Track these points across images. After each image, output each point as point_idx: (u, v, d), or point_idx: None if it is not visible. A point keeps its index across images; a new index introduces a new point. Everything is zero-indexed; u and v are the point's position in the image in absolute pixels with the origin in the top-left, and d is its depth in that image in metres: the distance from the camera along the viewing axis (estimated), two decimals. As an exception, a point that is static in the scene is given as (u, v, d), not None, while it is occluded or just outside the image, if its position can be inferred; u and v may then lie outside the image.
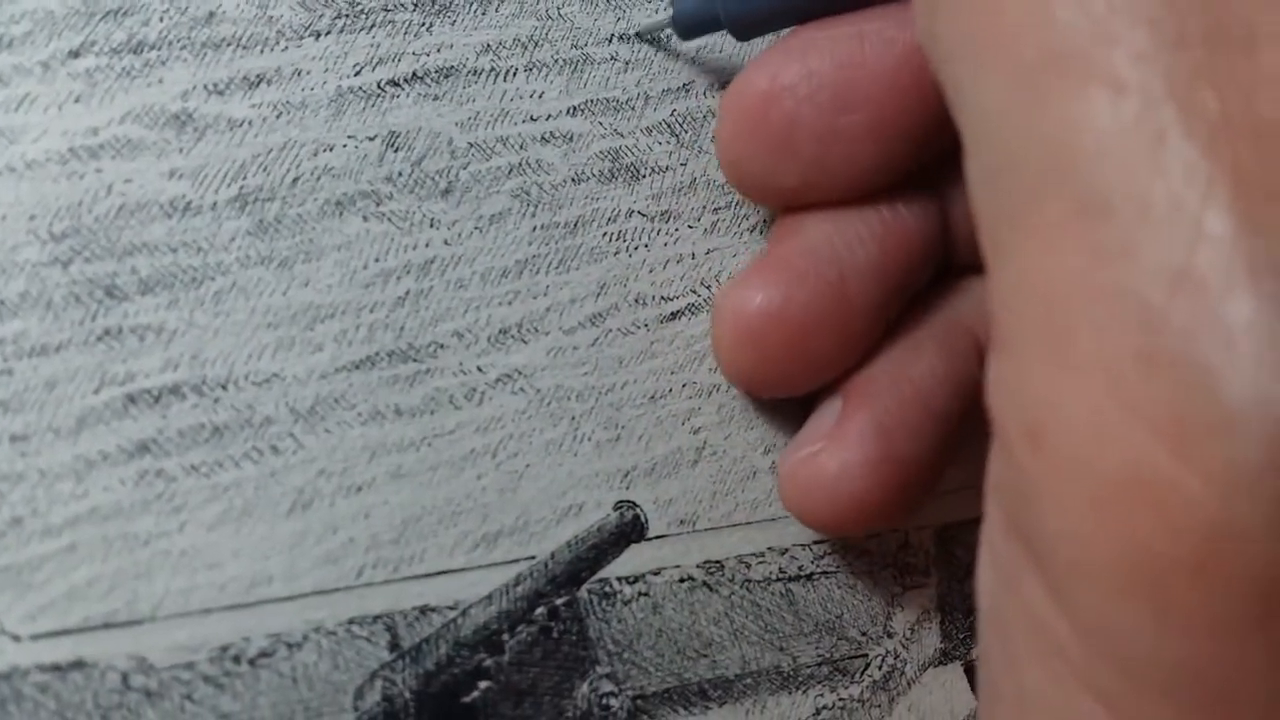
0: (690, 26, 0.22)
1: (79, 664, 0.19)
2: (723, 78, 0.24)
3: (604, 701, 0.21)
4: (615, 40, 0.23)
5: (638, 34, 0.23)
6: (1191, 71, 0.13)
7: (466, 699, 0.20)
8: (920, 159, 0.21)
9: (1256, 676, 0.13)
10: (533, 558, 0.21)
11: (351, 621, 0.20)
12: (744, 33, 0.22)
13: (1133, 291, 0.13)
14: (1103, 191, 0.13)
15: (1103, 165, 0.13)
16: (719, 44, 0.24)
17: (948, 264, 0.22)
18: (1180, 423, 0.12)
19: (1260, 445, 0.12)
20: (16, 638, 0.18)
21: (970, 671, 0.25)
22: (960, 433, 0.21)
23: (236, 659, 0.19)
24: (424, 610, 0.20)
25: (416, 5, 0.22)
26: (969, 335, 0.22)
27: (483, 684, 0.21)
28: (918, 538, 0.24)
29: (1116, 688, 0.14)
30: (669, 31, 0.23)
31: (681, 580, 0.22)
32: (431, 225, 0.22)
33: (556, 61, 0.23)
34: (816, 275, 0.21)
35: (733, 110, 0.21)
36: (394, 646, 0.20)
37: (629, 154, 0.23)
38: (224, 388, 0.20)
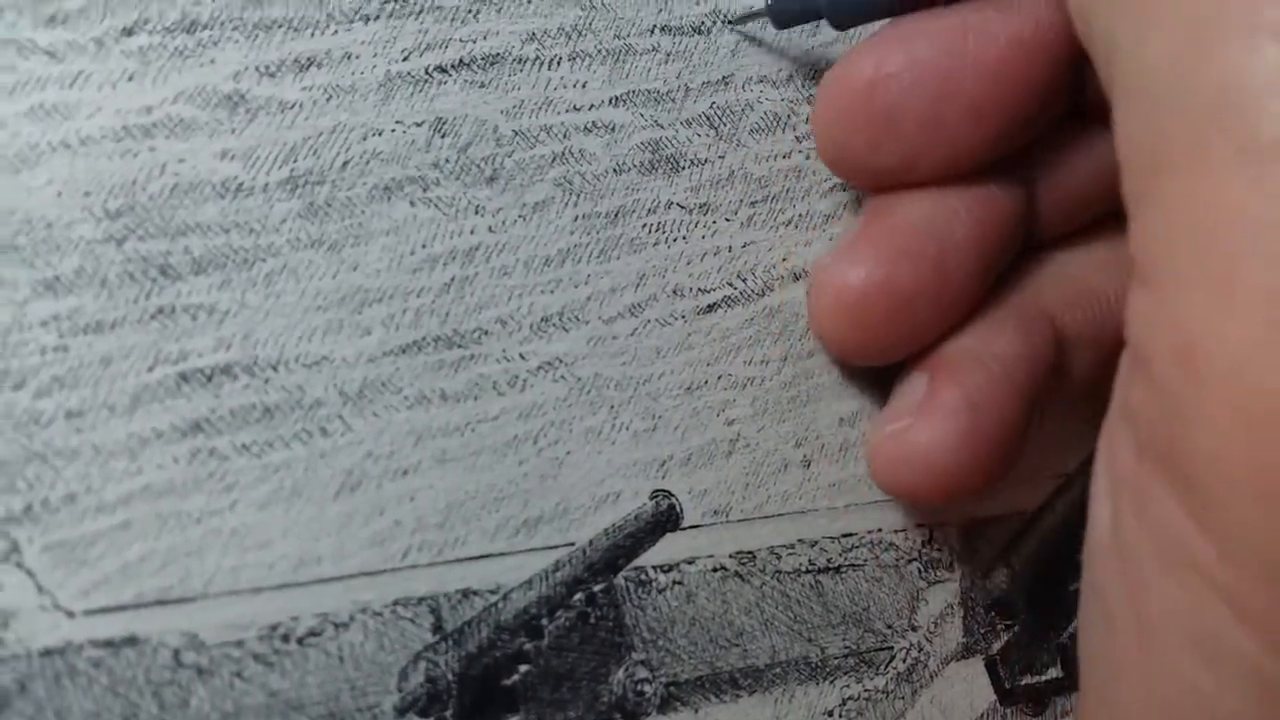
0: (789, 16, 0.23)
1: (132, 640, 0.19)
2: (760, 72, 0.25)
3: (639, 687, 0.22)
4: (657, 31, 0.24)
5: (731, 23, 0.24)
6: None
7: (507, 682, 0.21)
8: (1012, 145, 0.22)
9: None
10: (572, 544, 0.22)
11: (397, 603, 0.21)
12: (844, 22, 0.22)
13: None
14: (1269, 132, 0.14)
15: (1270, 107, 0.14)
16: (759, 38, 0.25)
17: (1027, 243, 0.23)
18: None
19: None
20: (70, 613, 0.19)
21: (991, 667, 0.25)
22: (1035, 409, 0.22)
23: (285, 638, 0.20)
24: (467, 593, 0.21)
25: (464, -9, 0.23)
26: (1044, 315, 0.23)
27: (523, 667, 0.21)
28: (943, 533, 0.25)
29: (1259, 599, 0.15)
30: (763, 21, 0.24)
31: (714, 570, 0.23)
32: (477, 212, 0.22)
33: (599, 51, 0.23)
34: (917, 251, 0.21)
35: (836, 95, 0.21)
36: (437, 629, 0.21)
37: (669, 145, 0.24)
38: (275, 369, 0.20)
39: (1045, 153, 0.23)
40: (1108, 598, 0.17)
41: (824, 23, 0.23)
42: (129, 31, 0.20)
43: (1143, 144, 0.16)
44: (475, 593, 0.21)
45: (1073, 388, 0.24)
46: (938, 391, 0.22)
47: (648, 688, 0.22)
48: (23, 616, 0.18)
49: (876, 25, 0.23)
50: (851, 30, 0.24)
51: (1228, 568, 0.15)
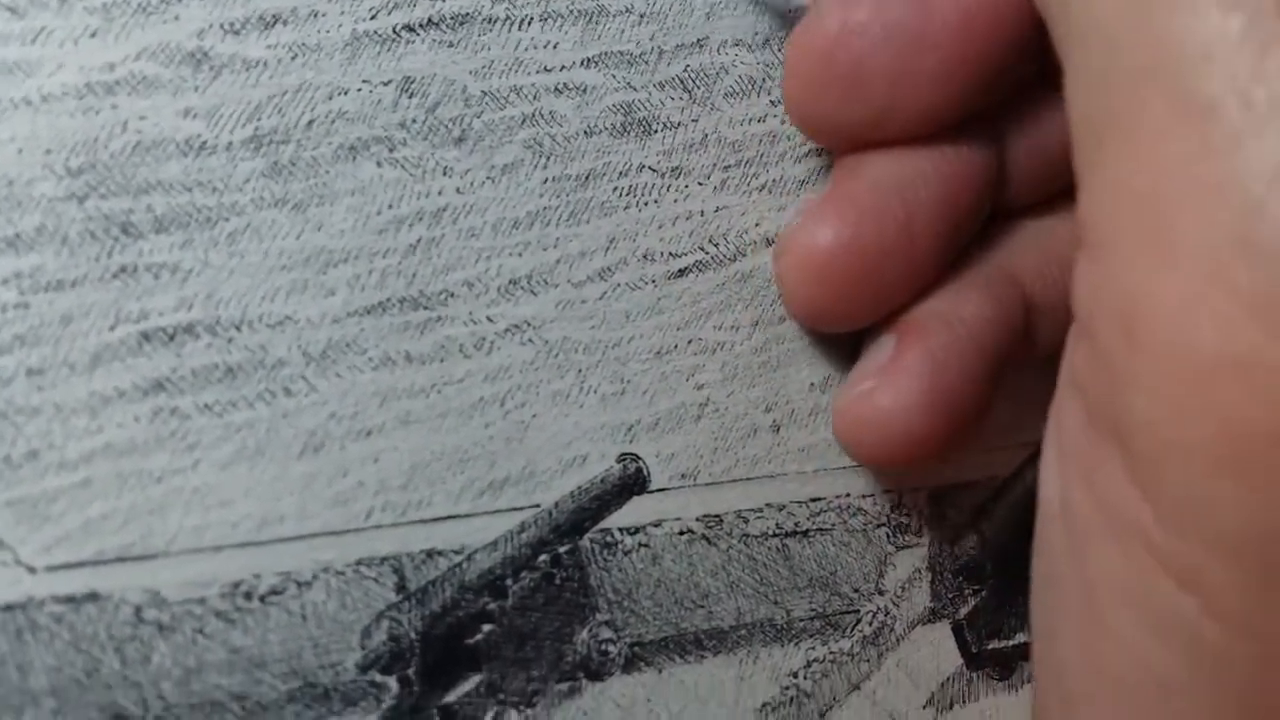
0: None
1: (93, 596, 0.19)
2: (736, 35, 0.24)
3: (603, 648, 0.22)
4: (631, -8, 0.24)
5: None
6: None
7: (470, 641, 0.21)
8: (983, 102, 0.22)
9: None
10: (537, 506, 0.22)
11: (360, 562, 0.21)
12: None
13: (1234, 183, 0.14)
14: (1208, 93, 0.14)
15: (1210, 70, 0.14)
16: (735, 0, 0.25)
17: (997, 209, 0.23)
18: (1274, 303, 0.14)
19: None
20: (32, 569, 0.19)
21: (958, 631, 0.26)
22: (1000, 373, 0.22)
23: (248, 595, 0.20)
24: (431, 554, 0.21)
25: (434, -50, 0.22)
26: (1013, 279, 0.23)
27: (486, 627, 0.21)
28: (911, 499, 0.25)
29: (1197, 564, 0.15)
30: None
31: (681, 533, 0.23)
32: (444, 173, 0.22)
33: (571, 12, 0.23)
34: (884, 211, 0.21)
35: (802, 50, 0.21)
36: (401, 588, 0.21)
37: (641, 108, 0.24)
38: (238, 328, 0.20)
39: (1017, 116, 0.23)
40: (1055, 563, 0.18)
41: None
42: (92, -12, 0.20)
43: (1089, 107, 0.16)
44: (439, 553, 0.21)
45: (1040, 353, 0.24)
46: (903, 353, 0.22)
47: (612, 648, 0.22)
48: (-16, 572, 0.19)
49: None
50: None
51: (1168, 533, 0.15)
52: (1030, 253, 0.23)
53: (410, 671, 0.21)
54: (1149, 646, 0.16)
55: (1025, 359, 0.23)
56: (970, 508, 0.26)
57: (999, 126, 0.23)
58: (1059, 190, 0.24)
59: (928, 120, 0.21)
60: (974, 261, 0.23)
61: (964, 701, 0.25)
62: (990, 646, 0.26)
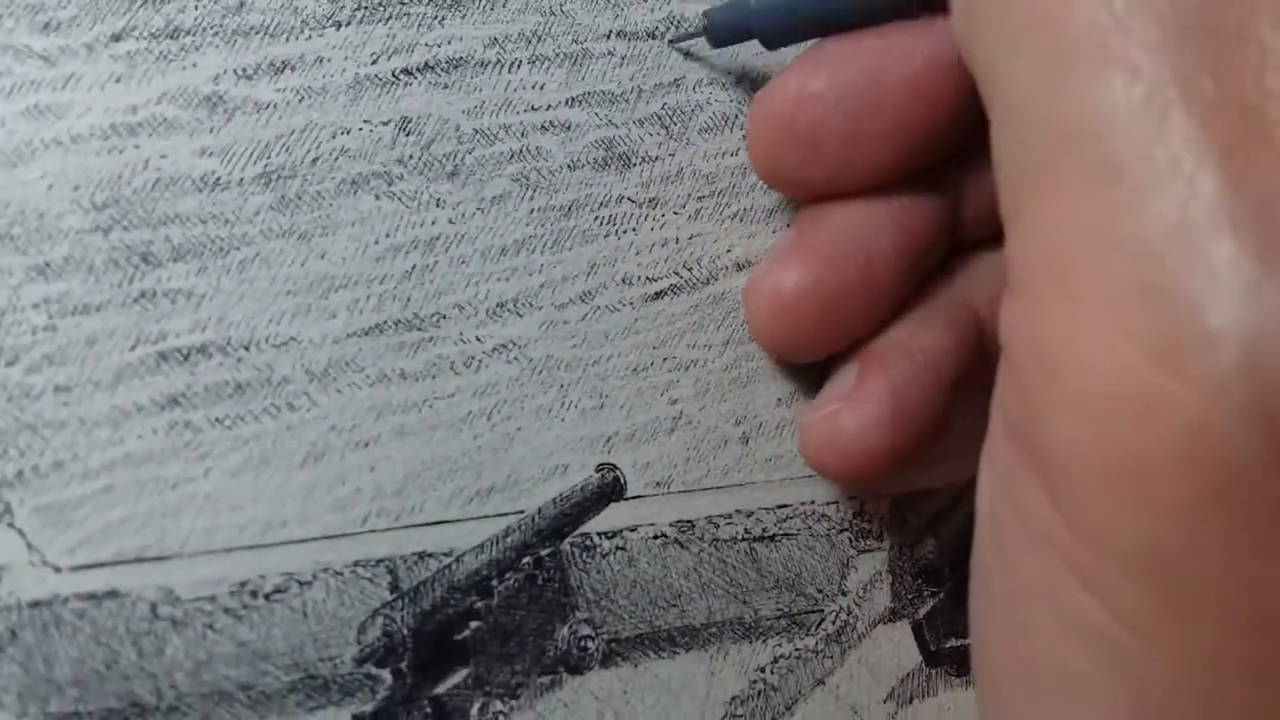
0: (723, 37, 0.25)
1: (113, 593, 0.21)
2: (710, 76, 0.26)
3: (582, 644, 0.24)
4: (613, 36, 0.26)
5: (671, 42, 0.26)
6: (1193, 60, 0.16)
7: (459, 636, 0.23)
8: (934, 156, 0.23)
9: (1218, 556, 0.16)
10: (521, 512, 0.24)
11: (357, 564, 0.22)
12: (773, 43, 0.24)
13: (1135, 238, 0.15)
14: (1114, 156, 0.16)
15: (1115, 134, 0.16)
16: (697, 53, 0.27)
17: (953, 244, 0.25)
18: (1170, 343, 0.15)
19: (1234, 358, 0.15)
20: (57, 569, 0.21)
21: (918, 630, 0.27)
22: (955, 396, 0.24)
23: (254, 593, 0.22)
24: (422, 556, 0.23)
25: (429, -1, 0.24)
26: (970, 309, 0.25)
27: (473, 624, 0.23)
28: (873, 505, 0.27)
29: (1099, 570, 0.17)
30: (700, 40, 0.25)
31: (655, 537, 0.25)
32: (438, 205, 0.24)
33: (558, 55, 0.25)
34: (845, 259, 0.23)
35: (764, 114, 0.23)
36: (394, 587, 0.23)
37: (622, 143, 0.25)
38: (246, 349, 0.22)
39: (967, 161, 0.24)
40: (986, 570, 0.19)
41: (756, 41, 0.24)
42: (117, 37, 0.22)
43: (1011, 166, 0.18)
44: (430, 555, 0.23)
45: (989, 378, 0.25)
46: (866, 381, 0.24)
47: (591, 644, 0.24)
48: (14, 571, 0.20)
49: (805, 45, 0.24)
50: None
51: (1077, 542, 0.17)
52: (984, 282, 0.25)
53: (403, 665, 0.22)
54: (1063, 644, 0.17)
55: (983, 379, 0.25)
56: (928, 514, 0.27)
57: (952, 170, 0.24)
58: (1002, 223, 0.25)
59: (881, 176, 0.23)
60: (932, 293, 0.25)
61: (923, 696, 0.27)
62: (948, 645, 0.27)
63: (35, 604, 0.20)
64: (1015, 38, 0.17)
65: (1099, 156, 0.16)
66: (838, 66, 0.22)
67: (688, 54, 0.26)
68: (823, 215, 0.24)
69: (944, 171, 0.24)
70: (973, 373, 0.25)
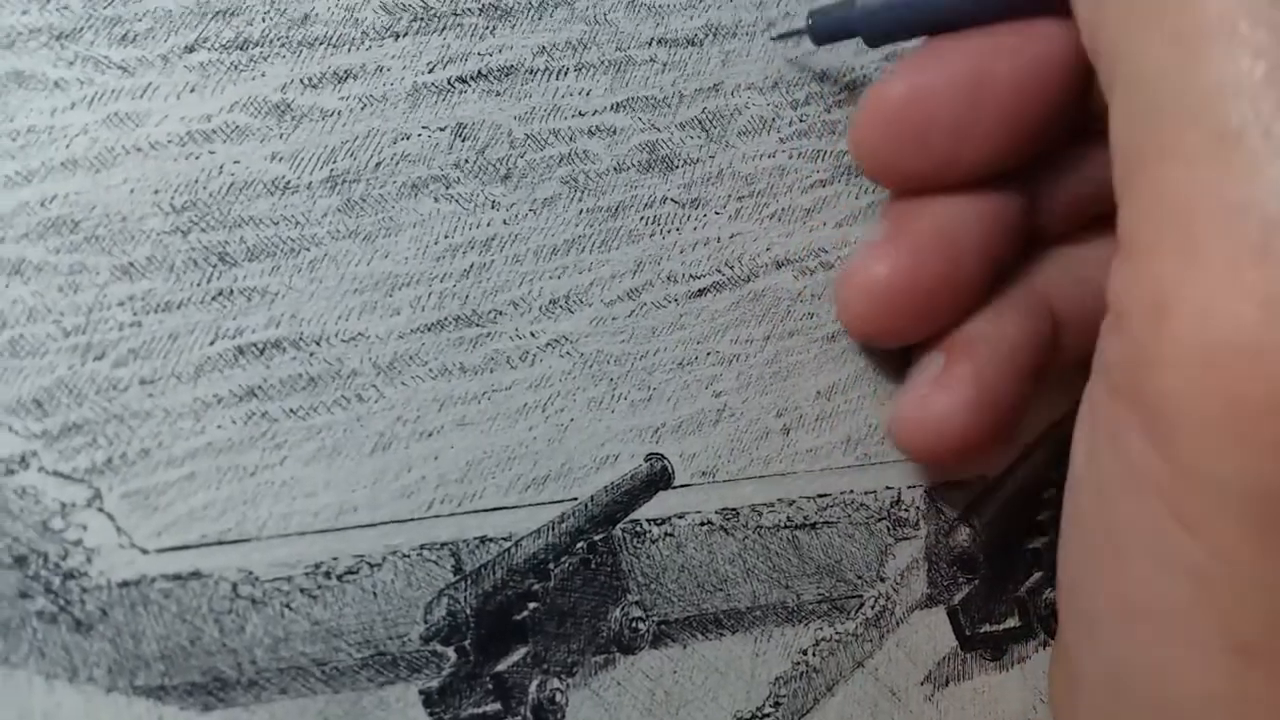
0: (826, 34, 0.26)
1: (196, 574, 0.22)
2: (748, 80, 0.28)
3: (633, 625, 0.25)
4: (655, 44, 0.27)
5: (774, 38, 0.27)
6: None
7: (518, 616, 0.24)
8: (1031, 153, 0.25)
9: None
10: (575, 499, 0.25)
11: (423, 547, 0.24)
12: (876, 41, 0.26)
13: (1254, 201, 0.17)
14: (1236, 125, 0.17)
15: (1239, 106, 0.17)
16: (747, 49, 0.28)
17: (1032, 239, 0.27)
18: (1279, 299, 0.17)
19: None
20: (145, 551, 0.22)
21: (953, 615, 0.29)
22: (1035, 384, 0.26)
23: (327, 575, 0.23)
24: (483, 540, 0.24)
25: (481, 10, 0.26)
26: (1045, 303, 0.26)
27: (531, 605, 0.25)
28: (910, 495, 0.28)
29: (1200, 509, 0.18)
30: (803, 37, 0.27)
31: (702, 524, 0.26)
32: (493, 207, 0.25)
33: (602, 63, 0.27)
34: (935, 251, 0.25)
35: (875, 107, 0.25)
36: (458, 570, 0.24)
37: (664, 146, 0.27)
38: (318, 343, 0.24)
39: (1051, 162, 0.26)
40: (1084, 521, 0.21)
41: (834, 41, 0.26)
42: (190, 49, 0.24)
43: (1133, 138, 0.19)
44: (491, 540, 0.24)
45: (1066, 362, 0.27)
46: (952, 367, 0.25)
47: (642, 625, 0.25)
48: (104, 553, 0.22)
49: (907, 44, 0.26)
50: (843, 44, 0.28)
51: (1180, 484, 0.18)
52: (1060, 276, 0.27)
53: (466, 643, 0.24)
54: (1163, 580, 0.19)
55: (1055, 368, 0.27)
56: (962, 504, 0.29)
57: (1036, 171, 0.26)
58: (1085, 223, 0.27)
59: (981, 170, 0.25)
60: (1011, 286, 0.27)
61: (959, 680, 0.28)
62: (982, 630, 0.29)
63: (124, 584, 0.22)
64: (1148, 18, 0.19)
65: (1222, 125, 0.17)
66: (949, 64, 0.24)
67: (784, 52, 0.28)
68: (913, 209, 0.26)
69: (1027, 173, 0.26)
70: (1046, 361, 0.26)
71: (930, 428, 0.25)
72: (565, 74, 0.26)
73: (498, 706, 0.24)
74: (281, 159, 0.24)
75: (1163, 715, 0.19)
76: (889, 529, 0.28)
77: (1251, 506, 0.18)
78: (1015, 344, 0.25)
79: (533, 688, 0.24)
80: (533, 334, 0.25)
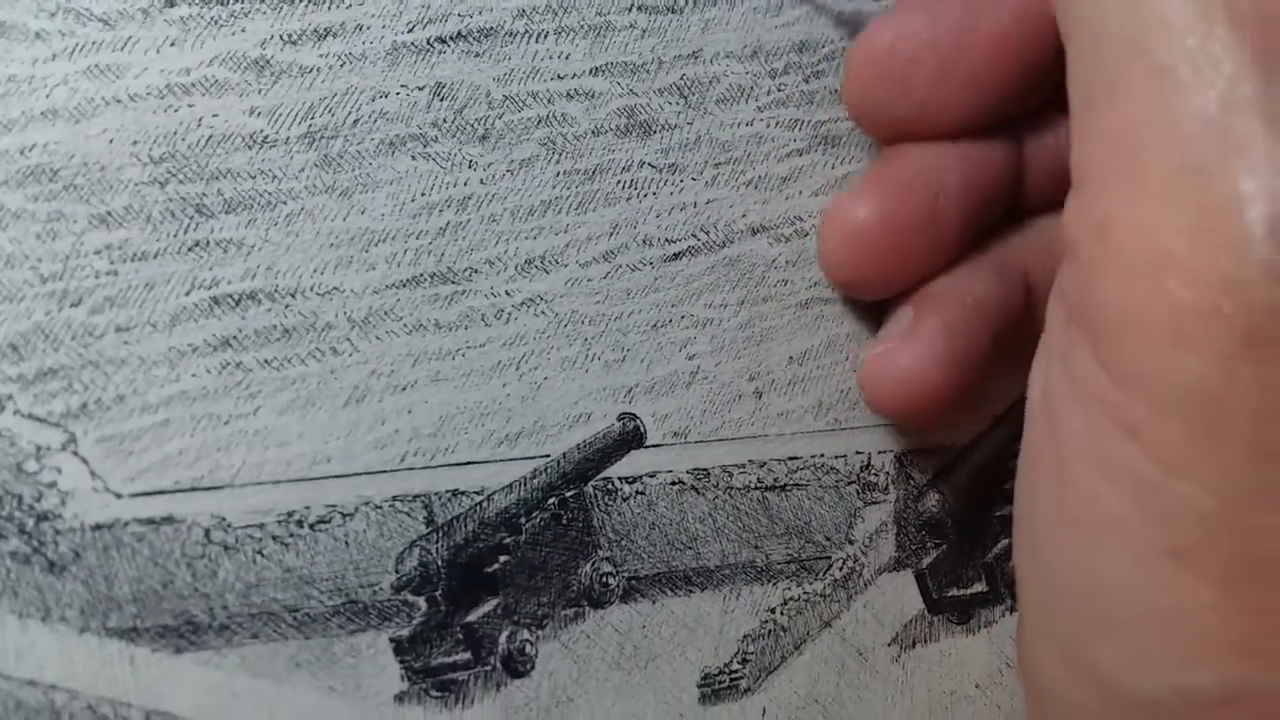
0: None
1: (169, 519, 0.23)
2: (727, 47, 0.28)
3: (604, 580, 0.26)
4: (635, 9, 0.28)
5: None
6: None
7: (489, 569, 0.25)
8: (1009, 107, 0.26)
9: (1244, 394, 0.18)
10: (547, 456, 0.26)
11: (395, 499, 0.24)
12: None
13: (1182, 126, 0.18)
14: (1168, 59, 0.19)
15: (1171, 41, 0.19)
16: (727, 17, 0.29)
17: (1012, 208, 0.28)
18: (1209, 211, 0.18)
19: (1260, 222, 0.18)
20: (118, 495, 0.23)
21: (921, 579, 0.29)
22: (1003, 346, 0.27)
23: (300, 523, 0.24)
24: (455, 493, 0.25)
25: (462, -28, 0.26)
26: (1020, 270, 0.27)
27: (503, 558, 0.25)
28: (879, 460, 0.29)
29: (1141, 415, 0.19)
30: None
31: (673, 483, 0.27)
32: (470, 166, 0.26)
33: (582, 27, 0.27)
34: (915, 194, 0.26)
35: (863, 52, 0.26)
36: (430, 522, 0.25)
37: (643, 112, 0.27)
38: (293, 296, 0.24)
39: (1035, 126, 0.27)
40: (1034, 448, 0.22)
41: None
42: (171, 3, 0.24)
43: (1084, 76, 0.21)
44: (463, 493, 0.25)
45: (1036, 333, 0.28)
46: (920, 320, 0.26)
47: (612, 580, 0.26)
48: (78, 497, 0.22)
49: None
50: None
51: (1120, 393, 0.19)
52: (1037, 247, 0.28)
53: (437, 594, 0.24)
54: (1103, 490, 0.20)
55: (1026, 339, 0.28)
56: (932, 470, 0.30)
57: (1019, 133, 0.27)
58: (1065, 193, 0.28)
59: (962, 119, 0.26)
60: (987, 250, 0.27)
61: (925, 642, 0.29)
62: (949, 594, 0.29)
63: (98, 527, 0.22)
64: None
65: (1157, 60, 0.19)
66: (933, 14, 0.25)
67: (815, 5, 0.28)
68: (899, 153, 0.26)
69: (1011, 134, 0.27)
70: (1017, 327, 0.27)
71: (897, 380, 0.26)
72: (545, 37, 0.27)
73: (468, 656, 0.24)
74: (260, 114, 0.24)
75: (1103, 629, 0.20)
76: (858, 493, 0.29)
77: (1189, 407, 0.19)
78: (985, 303, 0.26)
79: (503, 639, 0.25)
80: (508, 293, 0.26)
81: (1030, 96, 0.26)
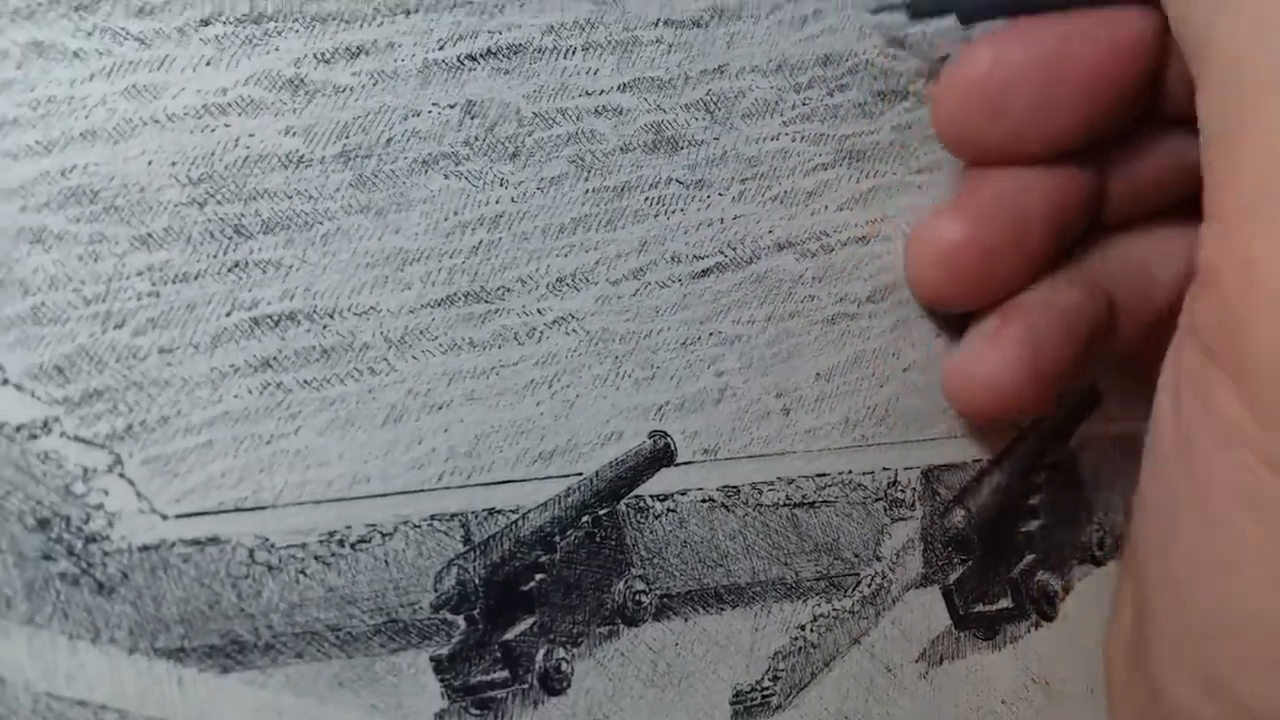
0: (923, 9, 0.29)
1: (214, 540, 0.24)
2: (753, 62, 0.30)
3: (637, 598, 0.28)
4: (661, 25, 0.29)
5: (872, 11, 0.30)
6: None
7: (525, 588, 0.27)
8: (1101, 134, 0.28)
9: None
10: (580, 474, 0.27)
11: (433, 518, 0.26)
12: (969, 18, 0.29)
13: None
14: None
15: None
16: (752, 31, 0.30)
17: (1095, 225, 0.30)
18: None
19: None
20: (165, 516, 0.24)
21: (948, 595, 0.31)
22: (1086, 356, 0.29)
23: (341, 543, 0.25)
24: (492, 512, 0.27)
25: (491, -12, 0.28)
26: (1103, 284, 0.29)
27: (538, 576, 0.27)
28: (906, 477, 0.31)
29: None
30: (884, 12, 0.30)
31: (704, 501, 0.29)
32: (501, 184, 0.28)
33: (610, 42, 0.29)
34: (1003, 218, 0.28)
35: (958, 77, 0.28)
36: (467, 540, 0.26)
37: (670, 127, 0.29)
38: (331, 316, 0.26)
39: (1122, 148, 0.29)
40: (1168, 472, 0.23)
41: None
42: (206, 22, 0.26)
43: (1220, 113, 0.22)
44: (499, 512, 0.27)
45: (1116, 350, 0.30)
46: (1005, 328, 0.28)
47: (644, 598, 0.28)
48: (125, 518, 0.24)
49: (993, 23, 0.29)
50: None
51: (1270, 437, 0.21)
52: (1120, 264, 0.30)
53: (475, 612, 0.26)
54: (1254, 531, 0.21)
55: (1106, 354, 0.30)
56: (958, 487, 0.31)
57: (1106, 155, 0.29)
58: (1147, 214, 0.30)
59: (1055, 146, 0.28)
60: (1071, 267, 0.30)
61: (952, 658, 0.31)
62: (976, 610, 0.31)
63: (145, 548, 0.24)
64: (1232, 5, 0.22)
65: None
66: (1030, 41, 0.27)
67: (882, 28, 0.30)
68: (987, 177, 0.29)
69: (1097, 156, 0.29)
70: (1099, 340, 0.29)
71: (978, 383, 0.28)
72: (573, 53, 0.28)
73: (506, 674, 0.26)
74: (295, 133, 0.26)
75: (1252, 662, 0.22)
76: (885, 509, 0.30)
77: None
78: (1068, 314, 0.28)
79: (539, 656, 0.26)
80: (539, 311, 0.27)
81: (1120, 122, 0.28)
